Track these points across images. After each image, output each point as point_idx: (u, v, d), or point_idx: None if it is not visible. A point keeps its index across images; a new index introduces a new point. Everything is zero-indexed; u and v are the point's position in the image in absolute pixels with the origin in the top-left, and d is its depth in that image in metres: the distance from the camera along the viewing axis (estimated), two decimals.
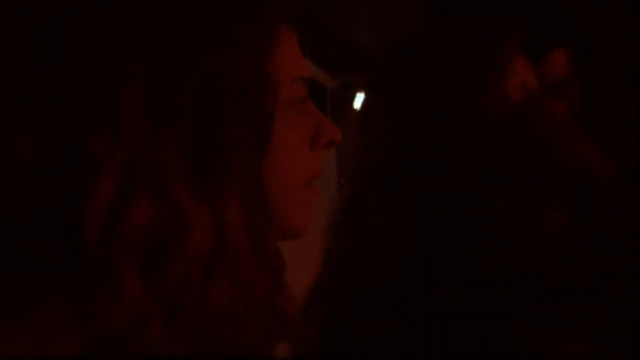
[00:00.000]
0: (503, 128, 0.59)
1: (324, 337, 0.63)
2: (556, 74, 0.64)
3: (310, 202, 0.51)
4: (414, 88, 0.64)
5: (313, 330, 0.64)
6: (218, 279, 0.38)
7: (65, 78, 0.38)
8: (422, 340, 0.55)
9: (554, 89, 0.64)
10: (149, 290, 0.36)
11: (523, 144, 0.58)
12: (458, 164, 0.58)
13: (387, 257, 0.60)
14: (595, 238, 0.54)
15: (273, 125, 0.44)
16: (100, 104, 0.37)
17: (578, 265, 0.53)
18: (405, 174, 0.61)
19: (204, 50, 0.40)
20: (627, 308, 0.52)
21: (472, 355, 0.53)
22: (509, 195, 0.55)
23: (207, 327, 0.38)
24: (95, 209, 0.36)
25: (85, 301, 0.36)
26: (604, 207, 0.56)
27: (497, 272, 0.53)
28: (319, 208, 0.55)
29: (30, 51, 0.38)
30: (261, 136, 0.43)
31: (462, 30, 0.65)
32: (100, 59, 0.38)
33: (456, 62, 0.62)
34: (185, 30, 0.40)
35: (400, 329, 0.57)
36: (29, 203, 0.37)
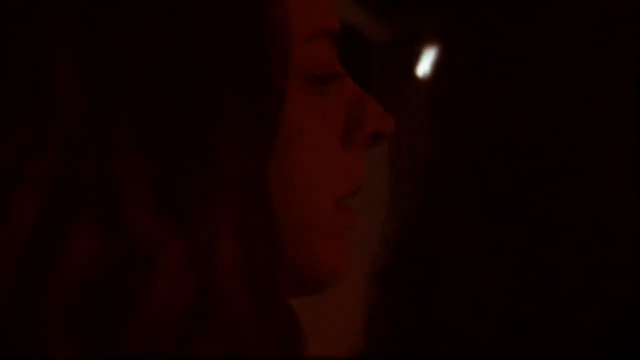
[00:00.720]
0: None
1: None
2: None
3: (344, 233, 0.52)
4: (527, 41, 0.65)
5: None
6: (198, 349, 0.40)
7: None
8: None
9: None
10: None
11: None
12: (607, 167, 0.59)
13: (481, 322, 0.61)
14: None
15: (284, 110, 0.46)
16: (11, 79, 0.40)
17: None
18: (515, 183, 0.62)
19: None
20: None
21: None
22: None
23: None
24: (11, 242, 0.38)
25: None
26: None
27: None
28: (359, 241, 0.56)
29: None
30: (265, 127, 0.45)
31: None
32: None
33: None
34: None
35: None
36: None
